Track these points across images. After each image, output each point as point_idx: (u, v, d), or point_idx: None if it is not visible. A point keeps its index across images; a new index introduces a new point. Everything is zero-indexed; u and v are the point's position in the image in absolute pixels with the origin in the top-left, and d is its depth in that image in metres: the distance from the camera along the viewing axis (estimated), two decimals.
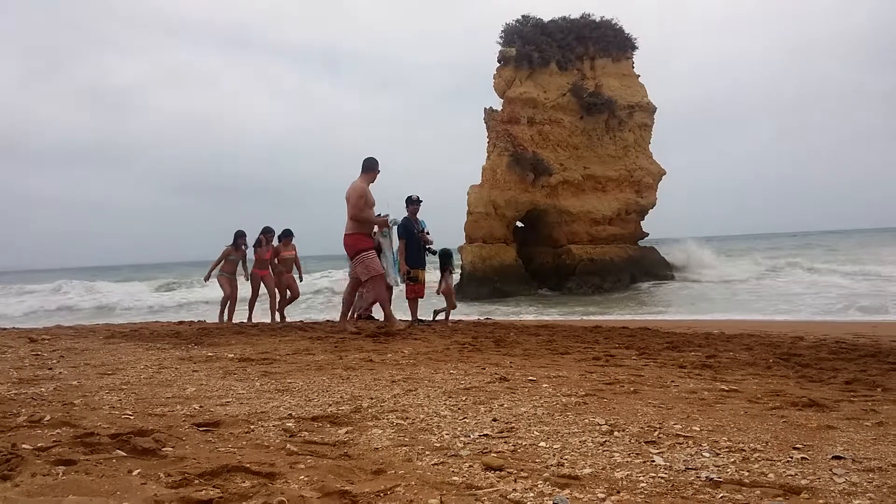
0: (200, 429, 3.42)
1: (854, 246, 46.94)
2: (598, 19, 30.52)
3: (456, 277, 27.03)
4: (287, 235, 13.25)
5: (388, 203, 10.01)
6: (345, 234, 9.10)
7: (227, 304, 12.86)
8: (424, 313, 11.45)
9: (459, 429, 3.43)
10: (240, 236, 13.00)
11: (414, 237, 10.82)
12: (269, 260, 13.01)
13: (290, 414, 3.82)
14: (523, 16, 30.08)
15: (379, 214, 9.57)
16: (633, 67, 31.13)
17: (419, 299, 11.18)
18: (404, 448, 3.08)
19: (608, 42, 30.21)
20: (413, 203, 10.96)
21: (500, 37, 29.62)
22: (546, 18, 30.17)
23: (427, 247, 11.14)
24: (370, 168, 9.11)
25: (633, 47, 31.01)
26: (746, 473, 2.64)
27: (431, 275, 11.99)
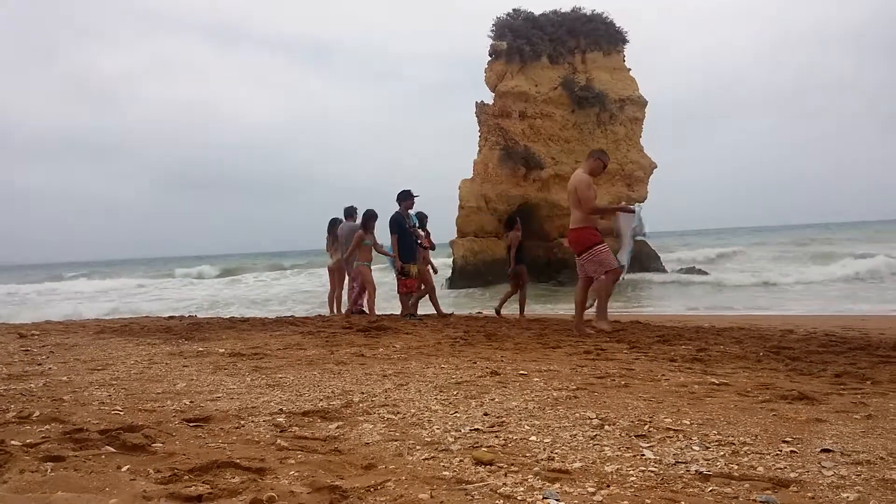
0: (190, 424, 3.41)
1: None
2: (589, 13, 30.53)
3: (447, 272, 27.09)
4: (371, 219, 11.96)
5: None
6: (572, 229, 8.23)
7: (368, 296, 11.82)
8: (423, 309, 11.50)
9: (450, 423, 3.43)
10: (372, 217, 11.59)
11: (407, 232, 10.83)
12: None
13: (281, 409, 3.81)
14: (514, 9, 30.06)
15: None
16: (625, 61, 31.16)
17: (412, 293, 11.22)
18: (395, 443, 3.07)
19: (599, 36, 30.23)
20: (407, 198, 10.96)
21: (491, 30, 29.60)
22: (537, 12, 30.16)
23: (419, 242, 11.17)
24: (591, 156, 8.35)
25: (624, 41, 31.05)
26: (736, 467, 2.65)
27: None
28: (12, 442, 2.90)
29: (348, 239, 11.97)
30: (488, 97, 29.32)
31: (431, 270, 12.02)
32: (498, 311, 11.81)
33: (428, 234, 11.85)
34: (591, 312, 8.36)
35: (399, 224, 10.85)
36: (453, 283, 26.66)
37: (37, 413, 3.53)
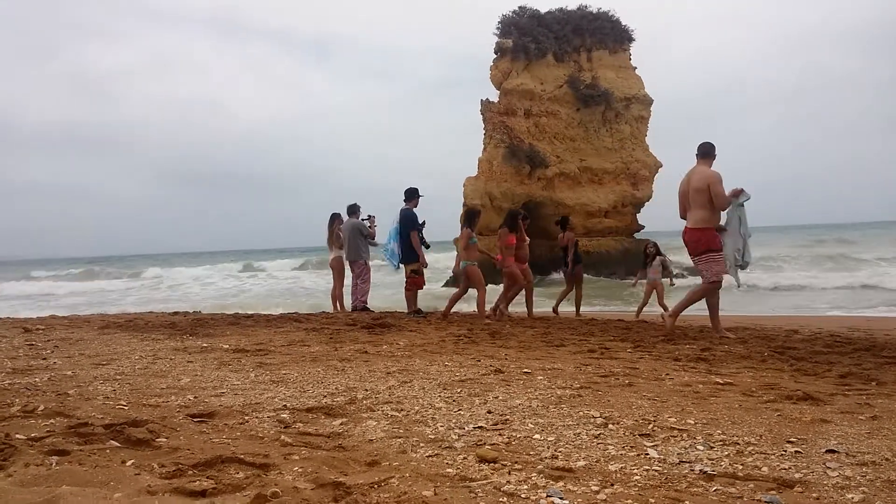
0: (195, 419, 3.41)
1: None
2: (595, 11, 30.48)
3: (432, 273, 27.04)
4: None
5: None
6: (690, 228, 7.73)
7: (479, 296, 10.63)
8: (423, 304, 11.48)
9: (454, 421, 3.43)
10: (477, 214, 11.15)
11: (419, 230, 10.97)
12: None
13: (285, 405, 3.82)
14: (520, 7, 30.04)
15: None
16: (630, 59, 31.11)
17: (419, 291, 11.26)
18: (399, 440, 3.07)
19: (605, 34, 30.20)
20: (414, 196, 11.08)
21: (497, 28, 29.57)
22: (543, 10, 30.14)
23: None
24: (707, 153, 7.86)
25: (630, 39, 31.01)
26: (740, 467, 2.65)
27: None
28: (17, 436, 2.91)
29: (349, 235, 11.98)
30: (493, 95, 29.30)
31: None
32: (555, 310, 11.81)
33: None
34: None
35: (415, 221, 10.95)
36: (457, 280, 26.67)
37: (42, 407, 3.54)
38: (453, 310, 10.83)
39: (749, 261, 7.98)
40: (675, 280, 12.30)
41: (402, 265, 11.09)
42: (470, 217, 10.80)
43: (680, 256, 12.90)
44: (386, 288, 21.13)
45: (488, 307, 10.51)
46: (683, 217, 7.93)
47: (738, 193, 7.77)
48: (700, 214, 7.63)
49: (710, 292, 7.72)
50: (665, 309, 10.94)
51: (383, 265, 13.56)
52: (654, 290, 11.43)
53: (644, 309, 11.65)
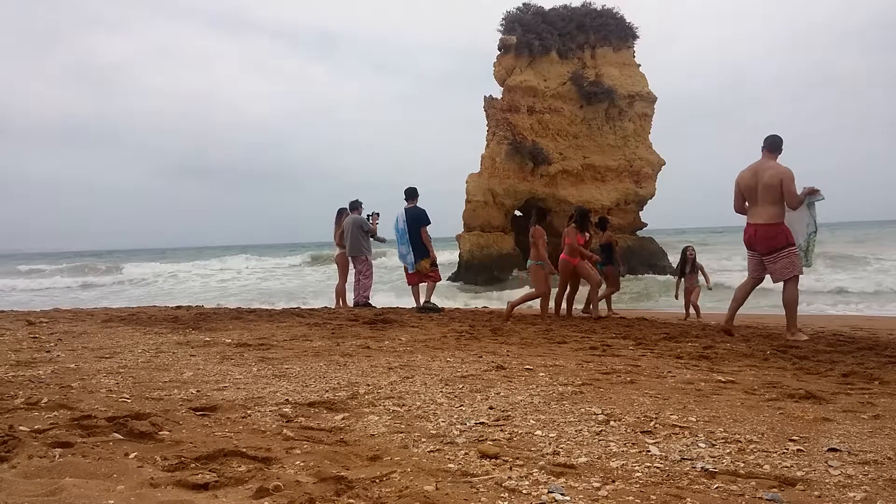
0: (197, 413, 3.42)
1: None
2: (599, 8, 30.41)
3: (446, 268, 27.04)
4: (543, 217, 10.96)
5: None
6: (764, 224, 7.42)
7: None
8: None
9: (455, 416, 3.44)
10: (548, 212, 10.81)
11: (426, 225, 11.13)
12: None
13: (287, 399, 3.82)
14: (524, 3, 29.95)
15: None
16: (634, 57, 31.04)
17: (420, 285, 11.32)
18: (400, 435, 3.08)
19: (609, 31, 30.11)
20: (416, 195, 11.20)
21: (501, 24, 29.51)
22: (547, 6, 30.07)
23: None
24: (777, 146, 7.57)
25: (634, 36, 30.93)
26: (742, 464, 2.65)
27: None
28: (21, 428, 2.92)
29: (351, 231, 11.99)
30: (496, 91, 29.26)
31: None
32: (609, 309, 11.45)
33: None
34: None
35: (423, 218, 11.08)
36: (459, 276, 26.68)
37: (45, 399, 3.55)
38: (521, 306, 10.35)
39: (812, 262, 7.84)
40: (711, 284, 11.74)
41: (417, 263, 11.09)
42: (542, 215, 10.49)
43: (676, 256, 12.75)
44: (385, 284, 21.17)
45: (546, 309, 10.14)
46: (738, 210, 7.73)
47: (812, 192, 7.53)
48: (772, 210, 7.40)
49: (795, 288, 7.46)
50: (697, 310, 10.84)
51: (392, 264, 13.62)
52: (691, 294, 11.03)
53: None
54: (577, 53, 29.91)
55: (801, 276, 7.42)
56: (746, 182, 7.50)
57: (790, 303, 7.41)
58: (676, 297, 11.39)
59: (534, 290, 9.98)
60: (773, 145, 7.53)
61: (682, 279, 11.18)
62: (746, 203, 7.61)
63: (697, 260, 11.22)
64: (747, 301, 7.90)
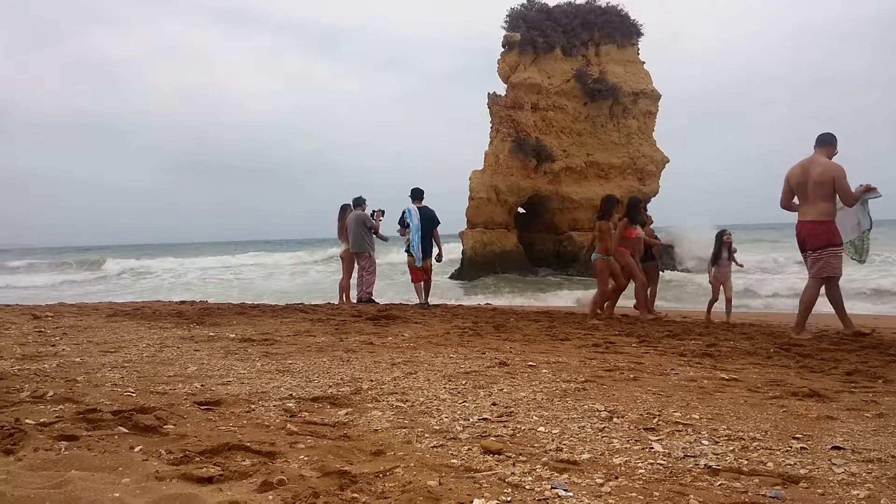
0: (202, 407, 3.44)
1: None
2: (603, 5, 30.33)
3: (437, 266, 27.03)
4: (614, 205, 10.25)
5: None
6: (811, 221, 7.24)
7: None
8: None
9: (459, 412, 3.44)
10: (617, 203, 10.01)
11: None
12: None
13: (291, 394, 3.84)
14: (529, 0, 29.88)
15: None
16: (639, 54, 30.96)
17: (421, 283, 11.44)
18: (404, 430, 3.09)
19: (613, 28, 30.02)
20: (422, 195, 11.39)
21: (505, 21, 29.43)
22: (551, 3, 29.99)
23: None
24: (828, 142, 7.35)
25: (639, 34, 30.83)
26: (745, 462, 2.65)
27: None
28: (27, 421, 2.93)
29: (354, 228, 12.02)
30: (500, 88, 29.22)
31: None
32: (651, 311, 10.51)
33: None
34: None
35: (434, 219, 11.38)
36: (462, 273, 26.68)
37: (50, 393, 3.57)
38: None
39: (866, 259, 7.68)
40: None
41: (425, 259, 11.34)
42: (610, 207, 9.81)
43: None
44: (389, 279, 21.17)
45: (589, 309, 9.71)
46: (785, 207, 7.58)
47: (868, 189, 7.30)
48: (822, 207, 7.21)
49: (822, 286, 7.34)
50: (730, 304, 9.78)
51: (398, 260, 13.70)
52: (722, 287, 9.93)
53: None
54: (581, 51, 29.84)
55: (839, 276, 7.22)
56: (796, 179, 7.33)
57: (835, 302, 7.32)
58: (712, 281, 10.16)
59: (600, 285, 9.51)
60: (824, 141, 7.33)
61: (717, 266, 10.01)
62: (795, 200, 7.45)
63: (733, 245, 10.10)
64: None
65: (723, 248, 9.97)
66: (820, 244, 7.20)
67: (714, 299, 10.05)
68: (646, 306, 9.98)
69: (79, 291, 25.68)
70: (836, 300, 7.40)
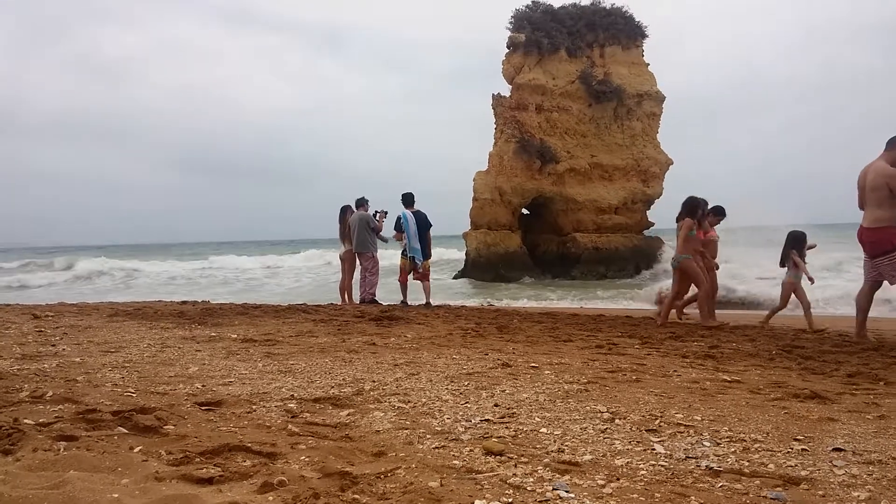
0: (202, 408, 3.43)
1: None
2: (608, 6, 30.32)
3: (441, 267, 26.98)
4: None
5: None
6: (866, 228, 7.09)
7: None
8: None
9: (461, 413, 3.44)
10: (701, 205, 9.32)
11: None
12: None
13: (292, 395, 3.83)
14: (533, 1, 29.87)
15: None
16: (643, 56, 30.94)
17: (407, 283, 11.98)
18: (405, 431, 3.08)
19: (618, 30, 30.02)
20: (413, 200, 11.87)
21: (510, 22, 29.44)
22: (556, 5, 30.00)
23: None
24: (892, 145, 7.08)
25: (643, 35, 30.82)
26: (746, 463, 2.64)
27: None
28: (26, 421, 2.93)
29: (357, 228, 12.06)
30: (505, 89, 29.22)
31: None
32: (679, 314, 10.07)
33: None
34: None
35: (428, 223, 11.86)
36: (465, 274, 26.68)
37: (50, 393, 3.57)
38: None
39: None
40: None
41: (422, 262, 11.79)
42: (694, 206, 9.19)
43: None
44: (387, 278, 21.12)
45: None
46: (862, 208, 7.29)
47: None
48: (878, 213, 7.00)
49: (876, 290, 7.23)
50: (810, 324, 8.46)
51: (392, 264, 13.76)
52: (794, 292, 8.93)
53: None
54: (585, 52, 29.83)
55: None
56: (860, 183, 7.15)
57: (861, 308, 7.22)
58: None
59: (699, 286, 8.98)
60: (889, 144, 7.09)
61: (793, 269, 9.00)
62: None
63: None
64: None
65: (798, 246, 9.07)
66: (882, 250, 7.01)
67: (772, 316, 9.18)
68: (708, 313, 9.15)
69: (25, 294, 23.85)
70: (862, 307, 7.28)
